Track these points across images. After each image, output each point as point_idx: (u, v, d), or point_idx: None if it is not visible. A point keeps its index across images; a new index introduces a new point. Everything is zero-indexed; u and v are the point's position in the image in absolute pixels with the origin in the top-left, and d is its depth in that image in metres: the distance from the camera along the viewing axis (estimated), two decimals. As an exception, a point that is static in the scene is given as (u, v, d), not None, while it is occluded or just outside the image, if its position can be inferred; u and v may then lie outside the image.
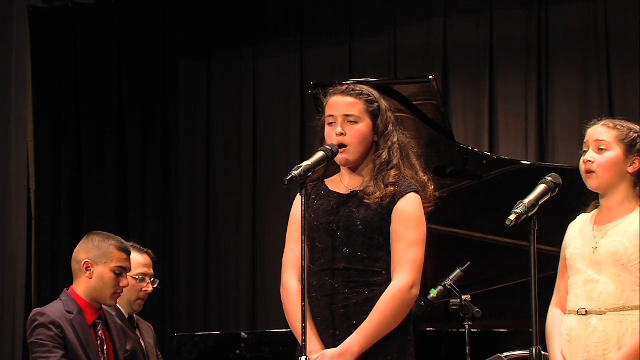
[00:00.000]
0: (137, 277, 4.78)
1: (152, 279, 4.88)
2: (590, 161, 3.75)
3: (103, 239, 4.38)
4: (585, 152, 3.79)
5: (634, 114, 6.80)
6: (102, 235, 4.42)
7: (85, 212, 8.32)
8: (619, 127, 3.79)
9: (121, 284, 4.35)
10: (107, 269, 4.32)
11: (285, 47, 8.09)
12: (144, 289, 4.83)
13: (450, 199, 5.29)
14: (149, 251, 4.94)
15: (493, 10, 7.45)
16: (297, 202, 3.63)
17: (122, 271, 4.35)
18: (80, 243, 4.41)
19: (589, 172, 3.75)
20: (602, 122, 3.82)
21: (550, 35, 7.32)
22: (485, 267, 5.57)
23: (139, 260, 4.83)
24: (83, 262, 4.33)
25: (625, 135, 3.76)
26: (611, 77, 7.13)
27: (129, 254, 4.43)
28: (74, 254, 4.38)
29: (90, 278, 4.32)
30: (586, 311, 3.68)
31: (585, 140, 3.81)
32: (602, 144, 3.75)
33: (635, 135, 3.78)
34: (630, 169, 3.75)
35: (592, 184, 3.76)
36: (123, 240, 4.45)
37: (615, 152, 3.74)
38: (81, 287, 4.33)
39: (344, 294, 3.58)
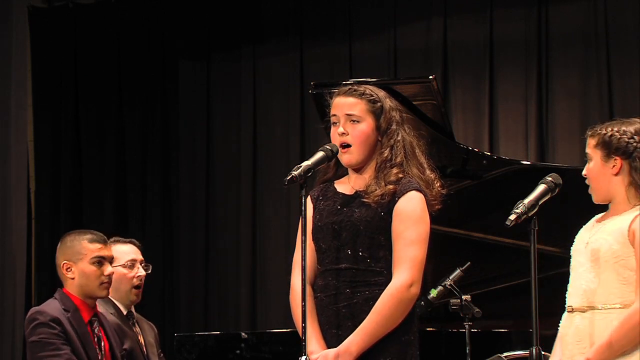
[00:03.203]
0: (126, 264, 4.79)
1: (144, 264, 4.88)
2: (585, 175, 3.77)
3: (74, 237, 4.42)
4: None
5: (634, 114, 6.75)
6: (73, 234, 4.46)
7: (85, 212, 8.32)
8: (597, 132, 3.73)
9: (105, 273, 4.38)
10: (85, 263, 4.36)
11: (285, 47, 8.10)
12: (137, 275, 4.83)
13: (451, 199, 5.28)
14: (133, 240, 4.95)
15: (493, 10, 7.45)
16: (307, 204, 3.64)
17: (101, 260, 4.38)
18: (57, 248, 4.45)
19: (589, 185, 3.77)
20: (590, 131, 3.80)
21: (550, 35, 7.32)
22: (485, 267, 5.57)
23: (124, 249, 4.84)
24: (62, 265, 4.38)
25: (601, 139, 3.72)
26: (611, 77, 7.13)
27: (103, 242, 4.44)
28: (55, 260, 4.43)
29: (74, 278, 4.36)
30: (572, 308, 3.69)
31: None
32: (587, 156, 3.76)
33: (608, 132, 3.71)
34: (613, 170, 3.71)
35: (594, 199, 3.77)
36: (96, 232, 4.48)
37: (595, 160, 3.73)
38: (70, 288, 4.38)
39: (347, 294, 3.58)
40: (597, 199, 3.76)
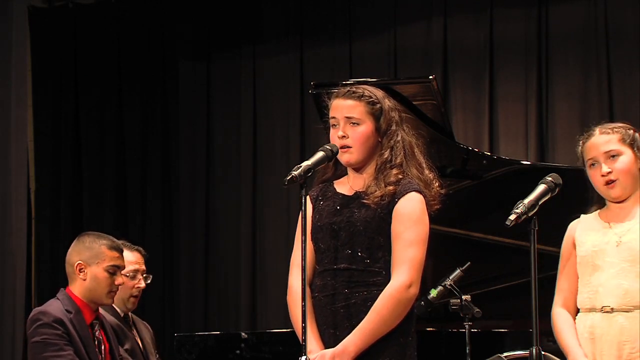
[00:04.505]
0: (128, 274, 4.79)
1: (145, 275, 4.88)
2: (609, 172, 3.72)
3: (94, 240, 4.39)
4: (593, 165, 3.76)
5: (634, 113, 6.81)
6: (92, 236, 4.43)
7: (85, 212, 8.32)
8: (616, 129, 3.76)
9: (116, 282, 4.38)
10: (100, 268, 4.34)
11: (285, 47, 8.10)
12: (136, 286, 4.83)
13: (451, 199, 5.28)
14: (140, 248, 4.94)
15: (493, 10, 7.46)
16: (307, 204, 3.64)
17: (115, 270, 4.37)
18: (72, 245, 4.43)
19: (609, 182, 3.73)
20: (598, 132, 3.78)
21: (550, 35, 7.32)
22: (485, 267, 5.57)
23: (130, 258, 4.83)
24: (76, 264, 4.35)
25: (626, 135, 3.75)
26: (611, 77, 7.14)
27: (121, 252, 4.44)
28: (67, 257, 4.41)
29: (85, 279, 4.34)
30: (612, 308, 3.66)
31: (589, 158, 3.76)
32: (613, 152, 3.72)
33: (631, 131, 3.76)
34: None
35: (615, 193, 3.73)
36: (114, 239, 4.47)
37: (628, 154, 3.72)
38: (77, 288, 4.35)
39: (345, 294, 3.58)
40: (620, 193, 3.72)
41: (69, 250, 4.41)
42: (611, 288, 3.67)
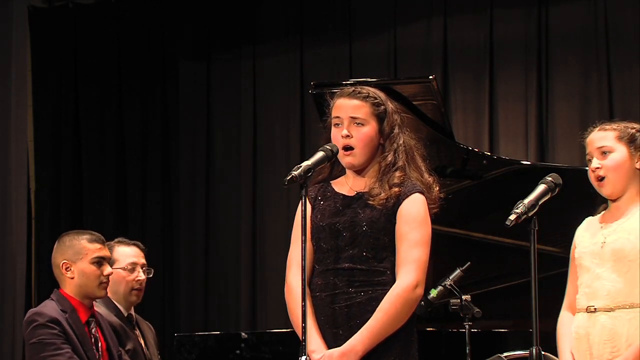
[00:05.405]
0: (126, 267, 4.79)
1: (145, 268, 4.87)
2: (598, 167, 3.73)
3: (73, 237, 4.44)
4: (589, 161, 3.78)
5: (634, 113, 6.80)
6: (71, 234, 4.48)
7: (85, 212, 8.32)
8: (615, 126, 3.78)
9: (104, 273, 4.40)
10: (85, 263, 4.37)
11: (285, 47, 8.10)
12: (136, 279, 4.82)
13: (451, 199, 5.28)
14: (138, 242, 4.94)
15: (493, 10, 7.46)
16: (307, 204, 3.64)
17: (101, 260, 4.40)
18: (54, 249, 4.47)
19: (600, 179, 3.73)
20: (598, 128, 3.81)
21: (550, 35, 7.32)
22: (485, 267, 5.57)
23: (127, 252, 4.85)
24: (62, 264, 4.39)
25: (624, 132, 3.76)
26: (611, 77, 7.14)
27: (102, 243, 4.47)
28: (52, 261, 4.46)
29: (73, 277, 4.37)
30: (595, 308, 3.68)
31: (587, 152, 3.81)
32: (604, 149, 3.75)
33: (633, 130, 3.77)
34: (638, 165, 3.74)
35: (606, 191, 3.76)
36: (94, 232, 4.50)
37: (620, 152, 3.74)
38: (68, 288, 4.38)
39: (348, 293, 3.59)
40: (611, 191, 3.74)
41: (52, 254, 4.46)
42: (596, 288, 3.70)
